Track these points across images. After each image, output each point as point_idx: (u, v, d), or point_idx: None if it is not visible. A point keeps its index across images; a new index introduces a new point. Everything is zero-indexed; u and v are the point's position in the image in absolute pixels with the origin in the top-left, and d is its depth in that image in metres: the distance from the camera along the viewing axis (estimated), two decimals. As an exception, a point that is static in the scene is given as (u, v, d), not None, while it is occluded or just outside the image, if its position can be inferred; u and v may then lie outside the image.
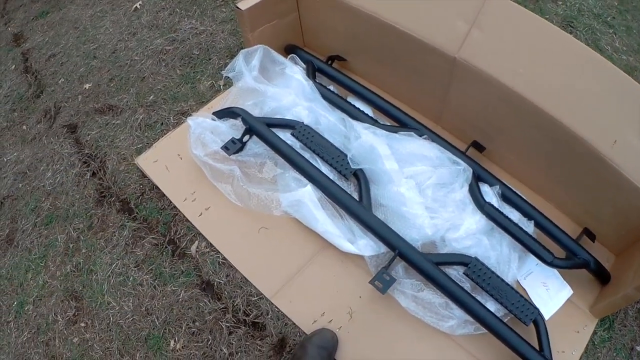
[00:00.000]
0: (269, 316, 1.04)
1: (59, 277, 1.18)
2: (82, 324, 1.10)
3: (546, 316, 1.08)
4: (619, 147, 0.96)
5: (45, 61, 1.60)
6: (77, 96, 1.46)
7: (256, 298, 1.06)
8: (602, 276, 1.10)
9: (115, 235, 1.19)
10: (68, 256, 1.20)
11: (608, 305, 1.03)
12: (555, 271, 1.13)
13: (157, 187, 1.20)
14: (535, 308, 1.00)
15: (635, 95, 0.99)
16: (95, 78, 1.48)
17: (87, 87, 1.47)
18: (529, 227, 1.09)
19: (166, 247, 1.14)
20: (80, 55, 1.56)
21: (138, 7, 1.64)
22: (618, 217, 1.05)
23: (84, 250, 1.20)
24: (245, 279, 1.07)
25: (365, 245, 1.02)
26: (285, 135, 1.11)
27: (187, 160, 1.18)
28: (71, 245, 1.21)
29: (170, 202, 1.17)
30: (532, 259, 1.10)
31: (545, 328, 0.99)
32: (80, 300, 1.13)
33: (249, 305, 1.06)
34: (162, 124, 1.33)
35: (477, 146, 1.15)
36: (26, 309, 1.15)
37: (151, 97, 1.39)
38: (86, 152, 1.34)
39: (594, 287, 1.11)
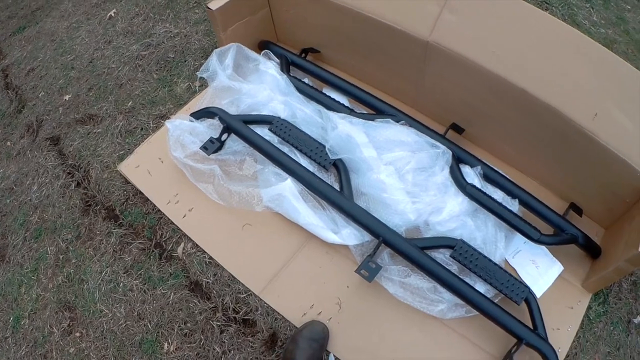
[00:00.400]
0: (259, 312, 1.04)
1: (51, 289, 1.18)
2: (77, 334, 1.10)
3: (538, 294, 1.07)
4: (600, 120, 0.95)
5: (25, 76, 1.60)
6: (58, 108, 1.46)
7: (245, 295, 1.06)
8: (592, 250, 1.09)
9: (102, 243, 1.19)
10: (59, 267, 1.20)
11: (600, 279, 1.03)
12: (544, 248, 1.12)
13: (140, 192, 1.20)
14: (526, 286, 0.99)
15: (614, 68, 0.98)
16: (75, 89, 1.48)
17: (67, 99, 1.47)
18: (513, 205, 1.08)
19: (153, 250, 1.15)
20: (58, 68, 1.56)
21: (112, 15, 1.64)
22: (604, 190, 1.05)
23: (73, 261, 1.20)
24: (233, 276, 1.07)
25: (349, 235, 1.02)
26: (263, 131, 1.11)
27: (168, 164, 1.18)
28: (61, 257, 1.22)
29: (155, 206, 1.17)
30: (519, 238, 1.09)
31: (538, 306, 0.98)
32: (73, 310, 1.14)
33: (238, 303, 1.06)
34: (142, 129, 1.33)
35: (456, 128, 1.15)
36: (22, 323, 1.16)
37: (130, 103, 1.39)
38: (70, 163, 1.34)
39: (585, 262, 1.11)
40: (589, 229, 1.13)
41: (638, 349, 1.06)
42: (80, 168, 1.32)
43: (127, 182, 1.24)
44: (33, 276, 1.22)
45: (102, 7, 1.69)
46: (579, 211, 1.13)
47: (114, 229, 1.20)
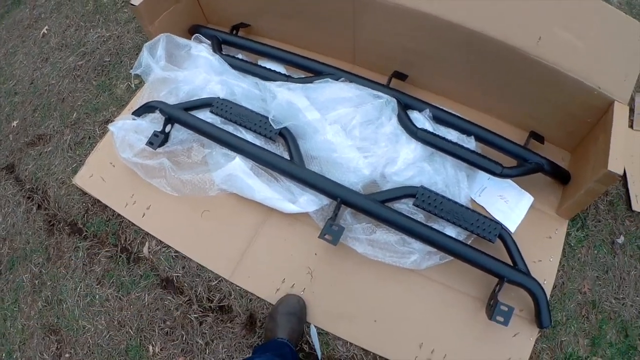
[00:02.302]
0: (232, 296, 1.03)
1: (34, 317, 1.17)
2: (67, 355, 1.09)
3: (512, 229, 1.05)
4: (545, 43, 0.92)
5: (-28, 112, 1.58)
6: (8, 136, 1.44)
7: (216, 282, 1.04)
8: (560, 176, 1.07)
9: (72, 260, 1.18)
10: (37, 293, 1.19)
11: (574, 204, 1.00)
12: (510, 182, 1.09)
13: (98, 201, 1.18)
14: (498, 223, 0.97)
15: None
16: (21, 113, 1.46)
17: (15, 125, 1.45)
18: (469, 143, 1.05)
19: (120, 256, 1.13)
20: (2, 96, 1.53)
21: (45, 32, 1.60)
22: (561, 113, 1.02)
23: (49, 283, 1.19)
24: (201, 265, 1.06)
25: (307, 202, 1.00)
26: (205, 114, 1.08)
27: (119, 166, 1.16)
28: (36, 282, 1.20)
29: (114, 211, 1.15)
30: (483, 175, 1.07)
31: (513, 241, 0.95)
32: (58, 332, 1.13)
33: (210, 291, 1.04)
34: (89, 138, 1.31)
35: (399, 76, 1.11)
36: (15, 357, 1.14)
37: (74, 115, 1.37)
38: (27, 187, 1.32)
39: (556, 189, 1.08)
40: (554, 155, 1.10)
41: (627, 269, 1.04)
42: (38, 190, 1.30)
43: (84, 193, 1.22)
44: (15, 307, 1.20)
45: (34, 26, 1.66)
46: (540, 139, 1.10)
47: (80, 242, 1.18)
